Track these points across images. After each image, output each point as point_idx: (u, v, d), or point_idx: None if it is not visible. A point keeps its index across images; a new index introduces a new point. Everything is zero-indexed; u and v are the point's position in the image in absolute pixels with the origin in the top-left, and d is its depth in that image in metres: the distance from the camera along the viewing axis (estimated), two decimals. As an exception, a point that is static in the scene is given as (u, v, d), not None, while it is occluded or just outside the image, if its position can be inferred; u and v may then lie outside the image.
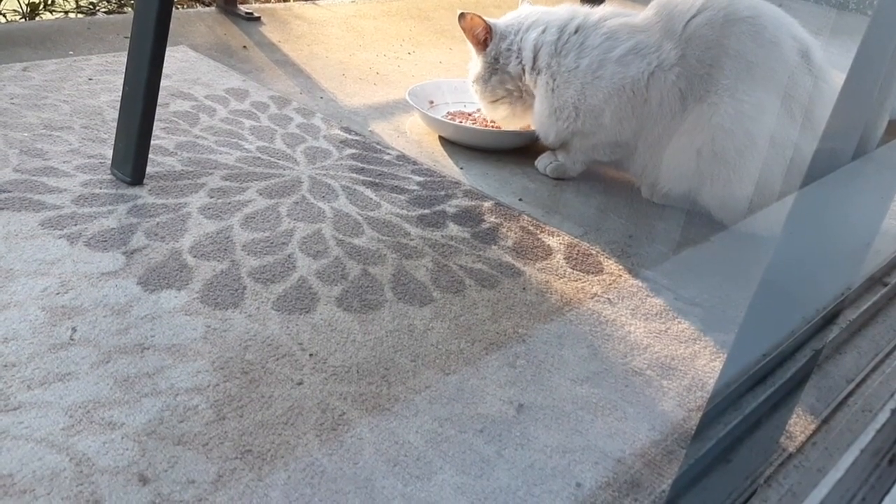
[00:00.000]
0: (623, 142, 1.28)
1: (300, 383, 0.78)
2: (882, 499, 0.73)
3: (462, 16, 1.34)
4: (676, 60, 1.18)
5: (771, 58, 1.16)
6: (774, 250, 1.07)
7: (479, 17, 1.34)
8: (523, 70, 1.33)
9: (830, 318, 0.98)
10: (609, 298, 1.01)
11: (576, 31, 1.26)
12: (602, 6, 1.32)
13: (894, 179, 1.34)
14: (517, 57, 1.33)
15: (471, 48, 1.39)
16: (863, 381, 0.91)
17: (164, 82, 1.21)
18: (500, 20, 1.37)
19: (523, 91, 1.37)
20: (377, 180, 1.25)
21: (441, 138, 1.47)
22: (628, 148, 1.28)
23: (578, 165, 1.35)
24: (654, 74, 1.19)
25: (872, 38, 1.15)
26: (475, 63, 1.40)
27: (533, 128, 1.38)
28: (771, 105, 1.15)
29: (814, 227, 1.07)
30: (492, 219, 1.18)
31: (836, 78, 1.19)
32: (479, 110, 1.53)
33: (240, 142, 1.31)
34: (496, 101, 1.40)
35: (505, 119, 1.43)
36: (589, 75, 1.23)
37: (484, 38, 1.36)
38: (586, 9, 1.31)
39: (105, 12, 2.30)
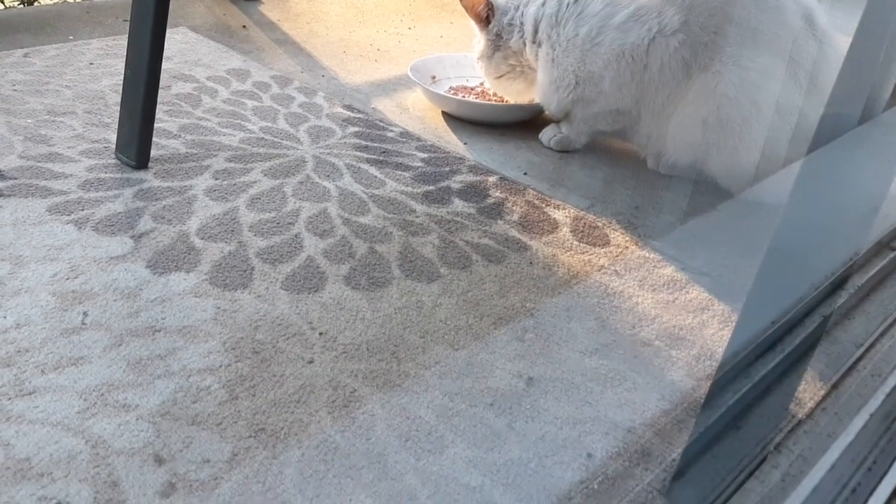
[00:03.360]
0: (624, 109, 1.27)
1: (311, 362, 0.79)
2: (892, 462, 0.74)
3: None
4: (679, 27, 1.17)
5: (774, 23, 1.15)
6: (782, 217, 1.06)
7: None
8: (524, 44, 1.33)
9: (839, 284, 0.98)
10: (616, 270, 1.01)
11: (574, 2, 1.26)
12: None
13: (902, 143, 1.33)
14: (519, 31, 1.33)
15: (473, 25, 1.39)
16: (872, 345, 0.91)
17: (165, 65, 1.20)
18: None
19: (525, 66, 1.36)
20: (381, 158, 1.24)
21: (444, 113, 1.46)
22: (630, 116, 1.28)
23: (582, 137, 1.35)
24: (655, 40, 1.18)
25: (878, 1, 1.14)
26: (478, 40, 1.39)
27: (536, 100, 1.38)
28: (776, 71, 1.14)
29: (821, 192, 1.07)
30: (497, 193, 1.17)
31: (841, 42, 1.18)
32: (481, 84, 1.52)
33: (243, 123, 1.30)
34: (501, 76, 1.40)
35: (511, 94, 1.43)
36: (588, 42, 1.23)
37: (486, 14, 1.35)
38: None
39: (103, -4, 2.28)
